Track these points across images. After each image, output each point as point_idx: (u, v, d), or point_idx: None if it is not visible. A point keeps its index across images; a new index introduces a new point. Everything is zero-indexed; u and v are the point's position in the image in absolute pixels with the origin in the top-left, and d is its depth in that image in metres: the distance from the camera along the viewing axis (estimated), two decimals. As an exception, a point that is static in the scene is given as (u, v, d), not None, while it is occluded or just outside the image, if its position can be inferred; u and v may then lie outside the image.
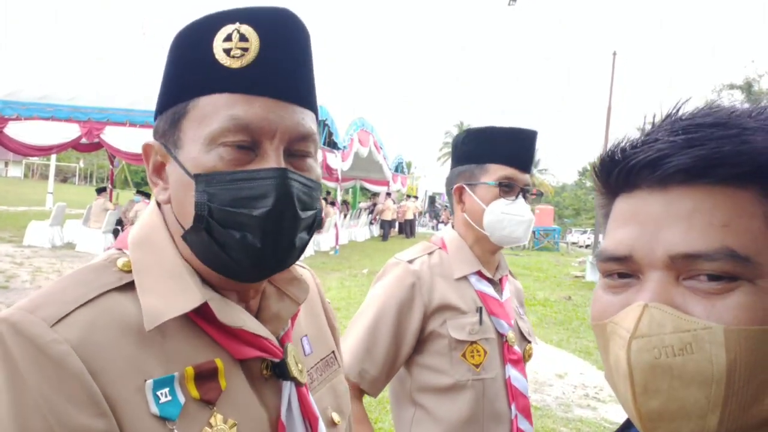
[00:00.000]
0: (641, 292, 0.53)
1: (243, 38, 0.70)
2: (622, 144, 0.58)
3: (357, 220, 22.34)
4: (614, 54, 21.68)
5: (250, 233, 0.69)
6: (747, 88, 28.11)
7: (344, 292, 9.39)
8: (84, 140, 11.05)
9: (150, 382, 0.66)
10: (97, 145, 12.31)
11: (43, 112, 10.68)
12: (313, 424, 0.80)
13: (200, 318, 0.73)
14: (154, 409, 0.65)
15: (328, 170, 14.86)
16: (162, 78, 0.76)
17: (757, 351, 0.48)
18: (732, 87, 28.76)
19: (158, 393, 0.66)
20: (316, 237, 15.91)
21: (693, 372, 0.49)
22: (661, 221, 0.53)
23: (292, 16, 0.74)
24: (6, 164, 61.59)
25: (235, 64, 0.70)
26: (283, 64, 0.72)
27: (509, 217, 1.55)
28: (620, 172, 0.57)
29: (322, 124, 14.19)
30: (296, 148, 0.74)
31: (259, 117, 0.70)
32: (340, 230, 16.83)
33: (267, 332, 0.77)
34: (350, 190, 28.28)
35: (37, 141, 10.98)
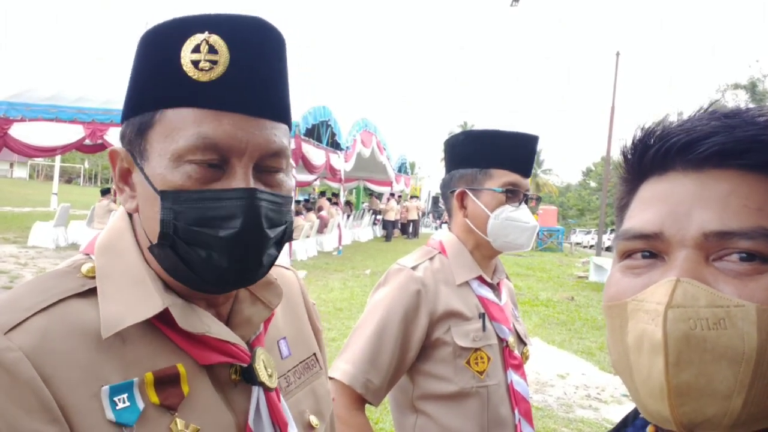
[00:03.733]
0: (669, 270, 0.53)
1: (212, 50, 0.67)
2: (657, 129, 0.59)
3: (360, 220, 22.34)
4: (617, 54, 21.64)
5: (216, 253, 0.68)
6: (751, 87, 28.00)
7: (347, 292, 9.35)
8: (88, 141, 11.09)
9: (106, 388, 0.65)
10: (101, 146, 12.33)
11: (48, 114, 10.72)
12: (282, 429, 0.79)
13: (164, 324, 0.71)
14: (110, 415, 0.64)
15: (332, 171, 14.86)
16: (129, 81, 0.73)
17: None
18: (736, 87, 28.66)
19: (115, 399, 0.65)
20: (319, 237, 15.93)
21: (725, 347, 0.48)
22: (695, 201, 0.54)
23: (265, 24, 0.71)
24: (11, 165, 61.83)
25: (204, 77, 0.67)
26: (254, 77, 0.69)
27: (514, 224, 1.53)
28: (656, 153, 0.58)
29: (325, 125, 14.20)
30: (266, 164, 0.72)
31: (228, 135, 0.67)
32: (343, 231, 16.84)
33: (234, 337, 0.76)
34: (354, 190, 28.29)
35: (42, 142, 11.00)
